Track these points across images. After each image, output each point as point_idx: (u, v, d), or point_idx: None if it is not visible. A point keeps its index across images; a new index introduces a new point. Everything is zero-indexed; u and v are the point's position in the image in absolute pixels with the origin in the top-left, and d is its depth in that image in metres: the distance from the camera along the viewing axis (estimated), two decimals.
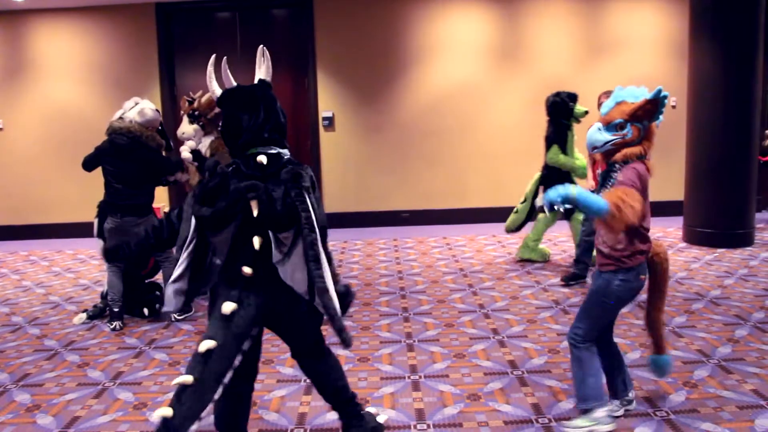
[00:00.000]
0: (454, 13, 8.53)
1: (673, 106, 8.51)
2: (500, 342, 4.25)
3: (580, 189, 2.60)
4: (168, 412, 2.37)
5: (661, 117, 2.83)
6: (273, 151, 2.63)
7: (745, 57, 6.59)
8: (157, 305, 5.13)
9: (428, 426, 3.14)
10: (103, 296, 5.22)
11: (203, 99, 5.49)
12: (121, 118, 4.93)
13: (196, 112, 5.46)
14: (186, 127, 5.48)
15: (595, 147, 2.86)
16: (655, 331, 3.10)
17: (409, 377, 3.73)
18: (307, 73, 8.59)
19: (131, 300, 5.06)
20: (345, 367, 3.87)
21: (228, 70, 2.77)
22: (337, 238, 7.83)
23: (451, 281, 5.84)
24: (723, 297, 5.08)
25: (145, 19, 8.53)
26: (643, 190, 2.75)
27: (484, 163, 8.69)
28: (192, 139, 5.45)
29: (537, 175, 6.21)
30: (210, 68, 2.78)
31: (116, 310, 4.84)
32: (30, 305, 5.57)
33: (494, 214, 8.68)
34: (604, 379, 3.03)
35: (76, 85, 8.67)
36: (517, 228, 6.45)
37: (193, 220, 2.56)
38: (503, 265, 6.35)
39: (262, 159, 2.57)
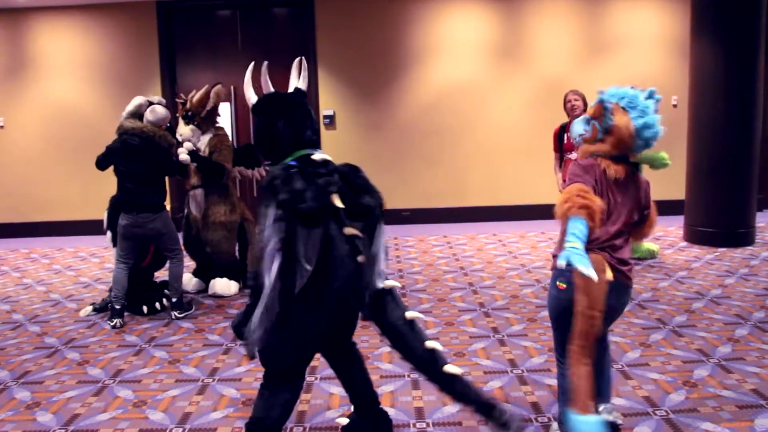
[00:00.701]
0: (454, 12, 8.52)
1: (674, 105, 8.49)
2: (500, 341, 4.25)
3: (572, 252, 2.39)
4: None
5: (651, 121, 2.63)
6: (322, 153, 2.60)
7: (746, 55, 6.58)
8: (157, 304, 5.13)
9: (428, 424, 3.14)
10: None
11: (194, 98, 5.49)
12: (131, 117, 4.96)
13: (190, 113, 5.46)
14: (183, 129, 5.48)
15: (575, 138, 2.82)
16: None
17: (408, 376, 3.72)
18: (307, 72, 8.56)
19: (131, 297, 5.06)
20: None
21: (267, 76, 2.75)
22: None
23: (451, 280, 5.84)
24: (723, 296, 5.08)
25: (145, 17, 8.53)
26: (596, 187, 2.57)
27: (485, 161, 8.68)
28: (190, 140, 5.45)
29: None
30: (248, 74, 2.76)
31: (118, 307, 4.84)
32: (30, 303, 5.57)
33: (494, 213, 8.69)
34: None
35: (77, 84, 8.67)
36: None
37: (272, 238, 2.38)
38: (503, 264, 6.35)
39: (324, 156, 2.56)
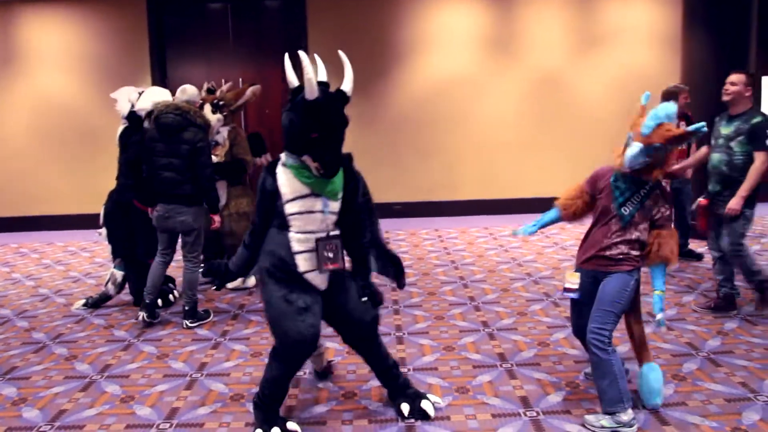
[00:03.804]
0: (447, 4, 8.48)
1: None
2: (490, 334, 4.24)
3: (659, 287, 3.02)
4: None
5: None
6: None
7: (737, 48, 6.57)
8: (171, 296, 5.08)
9: (416, 419, 3.12)
10: (107, 284, 5.15)
11: (227, 90, 5.53)
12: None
13: (221, 102, 5.41)
14: (209, 116, 5.32)
15: (632, 167, 2.94)
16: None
17: None
18: (299, 65, 8.52)
19: (141, 292, 4.95)
20: (334, 360, 3.87)
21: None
22: None
23: (442, 273, 5.83)
24: (713, 289, 5.06)
25: (136, 9, 8.46)
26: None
27: (477, 155, 8.66)
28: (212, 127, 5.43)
29: None
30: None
31: (147, 301, 4.62)
32: (19, 298, 5.53)
33: (486, 207, 8.68)
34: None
35: (66, 77, 8.60)
36: None
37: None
38: (495, 258, 6.34)
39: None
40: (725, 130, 4.41)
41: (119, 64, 8.53)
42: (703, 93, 6.69)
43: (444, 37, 8.53)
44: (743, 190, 4.22)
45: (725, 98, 4.41)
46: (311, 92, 2.76)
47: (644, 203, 2.99)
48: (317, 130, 2.77)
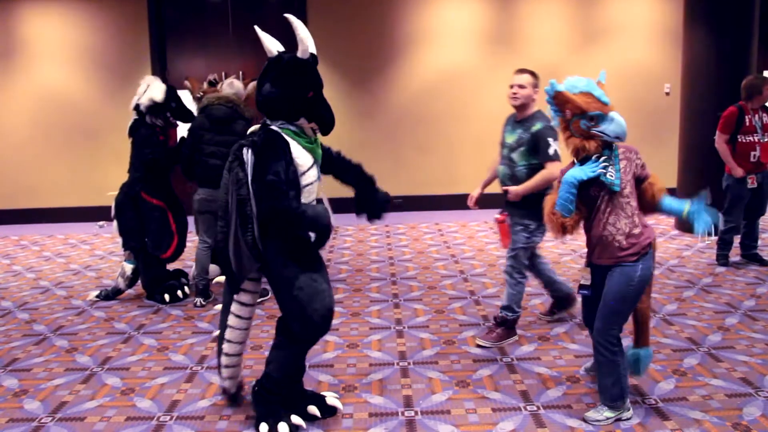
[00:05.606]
0: None
1: (667, 93, 8.47)
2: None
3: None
4: None
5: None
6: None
7: (739, 43, 6.55)
8: (179, 292, 5.04)
9: (416, 413, 3.13)
10: (118, 277, 5.13)
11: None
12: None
13: None
14: None
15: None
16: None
17: (397, 364, 3.72)
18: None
19: (152, 285, 5.02)
20: (334, 353, 3.88)
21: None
22: None
23: (442, 267, 5.83)
24: (714, 285, 5.08)
25: (136, 2, 8.42)
26: None
27: (477, 149, 8.64)
28: None
29: None
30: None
31: (200, 287, 4.85)
32: (20, 290, 5.53)
33: (486, 201, 8.62)
34: None
35: (66, 70, 8.57)
36: None
37: None
38: (495, 252, 6.34)
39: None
40: (509, 138, 3.96)
41: (119, 57, 8.50)
42: (704, 88, 6.69)
43: (444, 31, 8.50)
44: (526, 185, 3.75)
45: (514, 104, 3.97)
46: (304, 51, 2.86)
47: (620, 165, 2.88)
48: (312, 89, 2.84)
